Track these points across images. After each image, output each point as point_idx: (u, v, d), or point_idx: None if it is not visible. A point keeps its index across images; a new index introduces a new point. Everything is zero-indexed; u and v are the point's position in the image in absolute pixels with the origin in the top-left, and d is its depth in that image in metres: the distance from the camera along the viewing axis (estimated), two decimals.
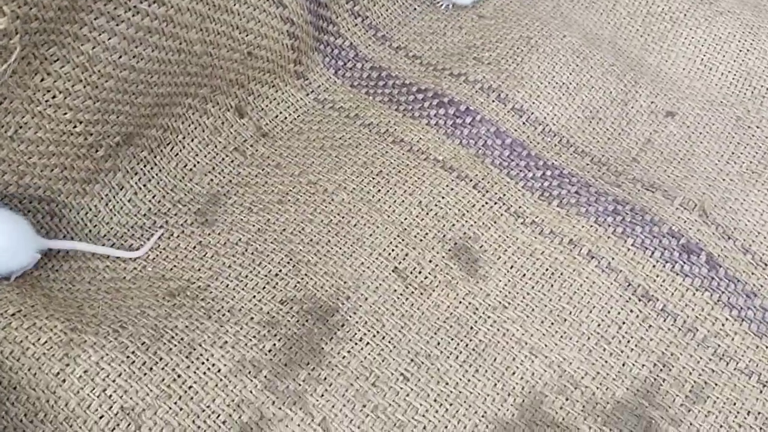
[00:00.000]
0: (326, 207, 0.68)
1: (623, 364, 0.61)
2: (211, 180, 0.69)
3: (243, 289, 0.62)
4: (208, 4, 0.61)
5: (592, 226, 0.68)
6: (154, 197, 0.67)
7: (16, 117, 0.55)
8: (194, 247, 0.65)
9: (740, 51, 0.83)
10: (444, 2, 0.85)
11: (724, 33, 0.83)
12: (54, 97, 0.56)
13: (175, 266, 0.64)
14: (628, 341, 0.62)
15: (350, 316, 0.62)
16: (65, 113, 0.57)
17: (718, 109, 0.79)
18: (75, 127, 0.59)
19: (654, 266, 0.66)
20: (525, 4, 0.85)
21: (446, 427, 0.56)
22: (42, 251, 0.60)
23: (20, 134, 0.56)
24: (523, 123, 0.75)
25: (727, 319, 0.64)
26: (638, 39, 0.84)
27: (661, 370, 0.61)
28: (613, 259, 0.66)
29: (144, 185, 0.67)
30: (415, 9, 0.84)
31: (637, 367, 0.61)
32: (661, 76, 0.81)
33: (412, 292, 0.64)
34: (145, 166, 0.67)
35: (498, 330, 0.62)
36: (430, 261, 0.66)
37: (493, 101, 0.76)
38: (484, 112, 0.75)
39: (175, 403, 0.54)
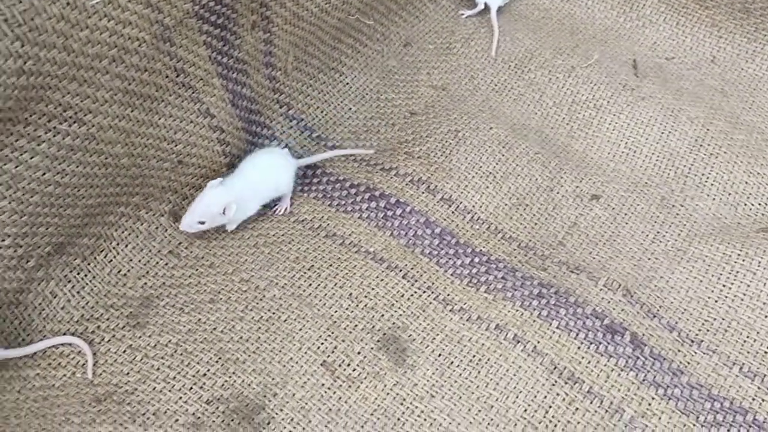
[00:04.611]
0: (257, 304, 0.70)
1: None
2: (145, 283, 0.71)
3: (170, 390, 0.63)
4: (131, 120, 0.65)
5: (518, 310, 0.69)
6: (87, 304, 0.69)
7: None
8: (124, 351, 0.66)
9: (662, 133, 0.86)
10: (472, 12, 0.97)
11: (646, 117, 0.87)
12: None
13: (104, 371, 0.65)
14: (555, 425, 0.62)
15: (276, 413, 0.62)
16: None
17: (643, 190, 0.81)
18: (3, 240, 0.61)
19: (579, 348, 0.67)
20: (455, 99, 0.90)
21: None
22: None
23: None
24: (452, 212, 0.78)
25: (653, 398, 0.64)
26: (564, 127, 0.87)
27: None
28: (538, 342, 0.67)
29: (77, 293, 0.69)
30: (350, 109, 0.89)
31: None
32: (586, 161, 0.84)
33: (340, 386, 0.64)
34: (78, 273, 0.69)
35: (425, 420, 0.63)
36: (359, 353, 0.67)
37: (423, 193, 0.79)
38: (414, 203, 0.78)
39: None
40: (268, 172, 0.76)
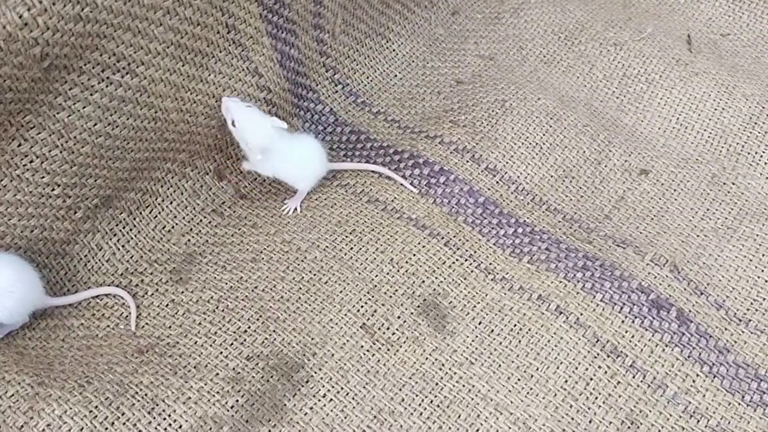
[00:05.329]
0: (299, 265, 0.70)
1: (590, 421, 0.60)
2: (188, 240, 0.72)
3: (211, 345, 0.64)
4: (182, 74, 0.65)
5: (561, 281, 0.68)
6: (131, 258, 0.70)
7: None
8: (167, 305, 0.67)
9: (716, 110, 0.84)
10: None
11: (699, 93, 0.85)
12: (31, 161, 0.60)
13: (146, 324, 0.65)
14: (596, 398, 0.62)
15: (315, 372, 0.62)
16: (43, 177, 0.61)
17: (693, 167, 0.79)
18: (53, 189, 0.62)
19: (623, 322, 0.66)
20: (502, 69, 0.88)
21: None
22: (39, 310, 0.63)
23: None
24: (497, 182, 0.77)
25: (698, 375, 0.63)
26: (614, 100, 0.85)
27: (629, 427, 0.60)
28: (581, 314, 0.66)
29: (122, 246, 0.70)
30: (396, 75, 0.88)
31: (604, 425, 0.60)
32: (636, 135, 0.82)
33: (379, 348, 0.64)
34: (123, 227, 0.70)
35: (463, 386, 0.62)
36: (399, 317, 0.66)
37: (467, 161, 0.78)
38: (458, 172, 0.77)
39: None
40: (304, 162, 0.73)
